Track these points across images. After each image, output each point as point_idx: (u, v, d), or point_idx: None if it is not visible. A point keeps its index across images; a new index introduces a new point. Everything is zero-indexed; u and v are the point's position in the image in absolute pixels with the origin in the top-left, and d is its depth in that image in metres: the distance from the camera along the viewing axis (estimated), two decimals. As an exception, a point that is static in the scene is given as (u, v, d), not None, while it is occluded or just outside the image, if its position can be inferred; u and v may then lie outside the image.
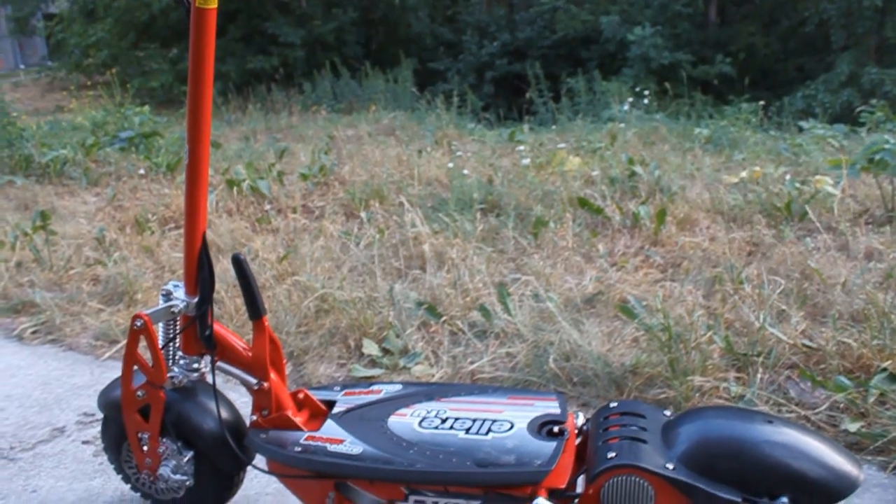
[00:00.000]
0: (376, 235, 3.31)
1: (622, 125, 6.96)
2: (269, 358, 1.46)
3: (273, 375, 1.47)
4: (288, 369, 2.38)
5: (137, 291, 2.99)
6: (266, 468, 1.48)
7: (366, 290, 2.82)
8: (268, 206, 4.32)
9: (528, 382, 2.15)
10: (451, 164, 4.66)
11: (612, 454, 1.28)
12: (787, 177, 4.17)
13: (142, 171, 5.94)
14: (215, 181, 4.79)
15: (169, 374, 1.50)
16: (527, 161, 4.38)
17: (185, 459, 1.55)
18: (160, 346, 1.47)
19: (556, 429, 1.37)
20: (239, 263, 1.42)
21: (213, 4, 1.25)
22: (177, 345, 1.51)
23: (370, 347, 2.38)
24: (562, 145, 5.23)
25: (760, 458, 1.24)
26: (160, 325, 1.50)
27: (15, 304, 3.07)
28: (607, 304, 2.55)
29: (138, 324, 1.43)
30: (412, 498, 1.36)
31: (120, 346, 2.66)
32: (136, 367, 1.50)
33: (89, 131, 7.86)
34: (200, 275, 1.43)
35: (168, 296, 1.47)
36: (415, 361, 2.30)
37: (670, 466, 1.26)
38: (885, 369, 1.95)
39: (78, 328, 2.83)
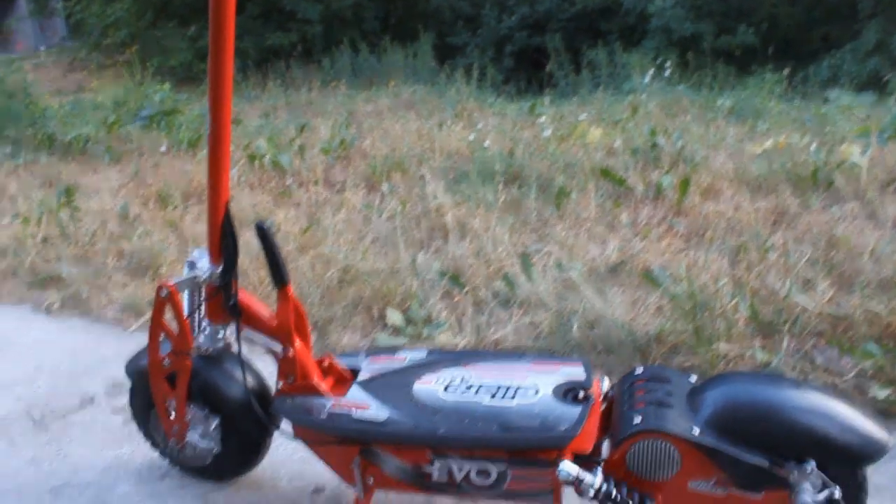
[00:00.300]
0: (398, 207, 3.31)
1: (643, 97, 6.88)
2: (294, 325, 1.46)
3: (298, 343, 1.47)
4: (312, 338, 2.39)
5: (162, 265, 3.01)
6: (292, 434, 1.49)
7: (388, 260, 2.83)
8: (289, 180, 4.32)
9: (552, 351, 2.14)
10: (471, 137, 4.63)
11: (638, 419, 1.28)
12: (813, 146, 4.10)
13: (163, 148, 5.97)
14: (236, 156, 4.80)
15: (194, 342, 1.51)
16: (548, 133, 4.33)
17: (212, 426, 1.57)
18: (185, 315, 1.48)
19: (581, 394, 1.37)
20: (263, 232, 1.42)
21: None
22: (202, 313, 1.52)
23: (394, 317, 2.38)
24: (583, 116, 5.16)
25: (787, 423, 1.23)
26: (185, 293, 1.51)
27: (42, 279, 3.11)
28: (631, 273, 2.54)
29: (163, 293, 1.44)
30: (437, 462, 1.37)
31: (146, 317, 2.68)
32: (162, 336, 1.52)
33: (110, 110, 7.90)
34: (224, 244, 1.43)
35: (193, 265, 1.48)
36: (439, 330, 2.31)
37: (696, 431, 1.26)
38: (914, 336, 1.92)
39: (104, 301, 2.86)
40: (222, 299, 1.47)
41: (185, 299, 1.51)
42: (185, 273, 1.49)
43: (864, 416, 1.26)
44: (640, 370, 1.43)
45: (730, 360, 1.95)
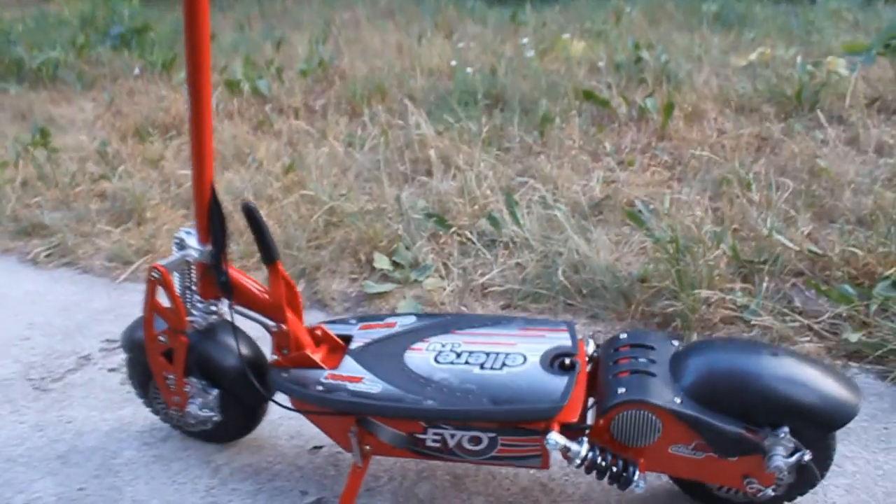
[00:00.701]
0: (381, 139, 3.28)
1: (627, 2, 6.73)
2: (286, 300, 1.49)
3: (290, 316, 1.50)
4: (301, 286, 2.43)
5: (146, 209, 2.99)
6: (289, 404, 1.54)
7: (373, 198, 2.84)
8: (268, 107, 4.25)
9: (538, 295, 2.19)
10: (454, 63, 4.54)
11: (622, 389, 1.33)
12: (798, 59, 4.07)
13: (136, 71, 5.82)
14: (214, 81, 4.70)
15: (189, 319, 1.53)
16: (531, 53, 4.25)
17: (211, 397, 1.62)
18: (178, 294, 1.50)
19: (567, 361, 1.41)
20: (250, 212, 1.42)
21: None
22: (194, 291, 1.54)
23: (381, 261, 2.41)
24: (567, 35, 5.05)
25: (762, 391, 1.29)
26: (176, 274, 1.52)
27: (25, 227, 3.09)
28: (615, 209, 2.56)
29: (155, 275, 1.46)
30: (431, 431, 1.43)
31: (133, 267, 2.70)
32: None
33: (78, 28, 7.64)
34: (212, 224, 1.44)
35: (181, 244, 1.49)
36: (425, 275, 2.34)
37: (677, 400, 1.31)
38: (888, 277, 1.97)
39: (91, 250, 2.86)
40: (213, 277, 1.49)
41: (175, 279, 1.52)
42: (174, 252, 1.50)
43: (836, 380, 1.32)
44: (624, 335, 1.47)
45: (711, 304, 2.00)
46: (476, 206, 2.62)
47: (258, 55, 5.85)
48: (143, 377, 1.72)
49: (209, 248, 1.47)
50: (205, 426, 1.69)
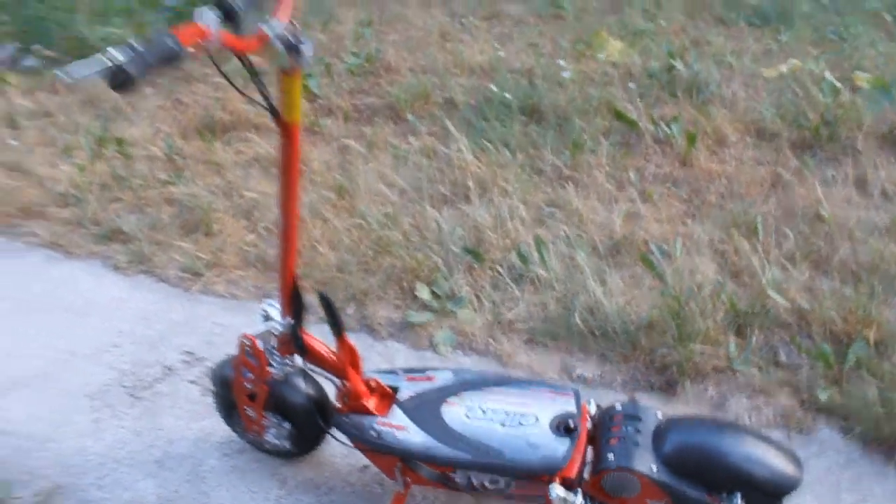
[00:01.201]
0: (424, 161, 3.59)
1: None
2: (349, 362, 1.85)
3: (351, 374, 1.87)
4: (351, 310, 2.79)
5: (213, 222, 3.33)
6: (349, 443, 1.92)
7: (415, 220, 3.16)
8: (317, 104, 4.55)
9: (557, 334, 2.52)
10: (500, 51, 4.75)
11: (611, 456, 1.68)
12: (827, 74, 4.25)
13: (191, 50, 6.12)
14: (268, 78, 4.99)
15: (270, 369, 1.90)
16: (567, 74, 4.49)
17: (284, 430, 2.01)
18: (263, 353, 1.86)
19: (570, 425, 1.76)
20: (326, 301, 1.78)
21: (297, 119, 1.54)
22: (275, 350, 1.91)
23: (422, 291, 2.76)
24: (604, 31, 5.23)
25: (722, 465, 1.63)
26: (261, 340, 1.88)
27: (106, 232, 3.43)
28: (631, 249, 2.86)
29: (247, 343, 1.82)
30: (460, 472, 1.79)
31: (204, 279, 3.06)
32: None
33: None
34: (293, 304, 1.80)
35: (267, 316, 1.85)
36: (460, 306, 2.69)
37: (654, 468, 1.65)
38: (864, 338, 2.27)
39: (165, 259, 3.21)
40: (292, 341, 1.86)
41: (260, 343, 1.88)
42: (260, 324, 1.86)
43: (784, 457, 1.65)
44: (619, 406, 1.81)
45: (704, 355, 2.31)
46: (508, 240, 2.93)
47: (308, 34, 6.10)
48: (229, 406, 2.11)
49: (289, 320, 1.83)
50: (276, 448, 2.09)
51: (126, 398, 2.51)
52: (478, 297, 2.74)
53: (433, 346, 2.57)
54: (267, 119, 4.23)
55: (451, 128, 3.73)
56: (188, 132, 4.39)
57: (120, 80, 1.09)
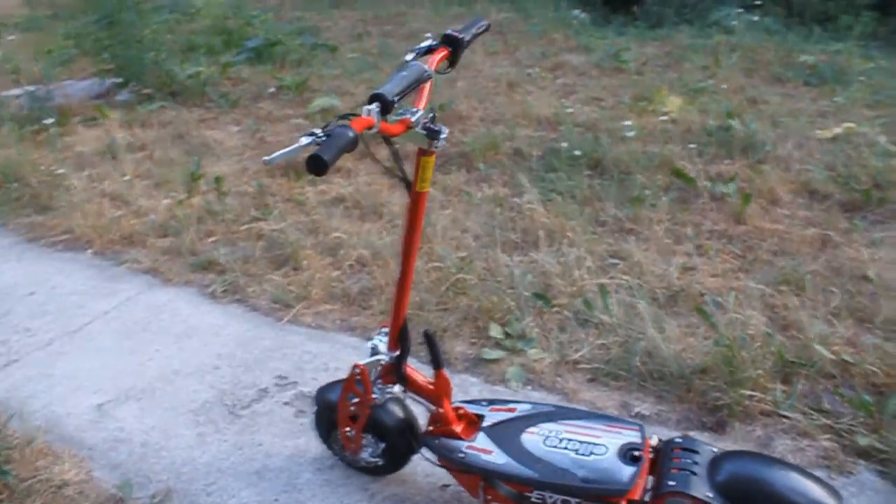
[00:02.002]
0: (496, 209, 3.89)
1: (728, 38, 7.06)
2: (444, 392, 2.13)
3: (445, 402, 2.15)
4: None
5: (302, 258, 3.67)
6: (436, 461, 2.19)
7: (488, 265, 3.45)
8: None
9: (618, 375, 2.77)
10: (568, 107, 5.06)
11: (672, 483, 1.92)
12: (881, 138, 4.46)
13: (272, 89, 6.57)
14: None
15: (373, 395, 2.19)
16: (631, 133, 4.76)
17: (380, 449, 2.29)
18: (370, 382, 2.15)
19: (636, 454, 2.01)
20: (429, 338, 2.08)
21: (427, 189, 1.85)
22: (379, 379, 2.19)
23: (495, 331, 3.03)
24: (665, 88, 5.50)
25: (769, 493, 1.86)
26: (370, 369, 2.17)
27: (202, 262, 3.80)
28: (688, 299, 3.10)
29: (357, 371, 2.12)
30: (536, 492, 2.05)
31: (294, 311, 3.38)
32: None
33: (213, 35, 8.34)
34: (401, 341, 2.09)
35: (375, 350, 2.15)
36: (530, 346, 2.95)
37: (710, 495, 1.89)
38: (903, 391, 2.48)
39: (258, 290, 3.55)
40: (394, 372, 2.15)
41: (369, 370, 2.17)
42: (370, 355, 2.15)
43: (825, 491, 1.87)
44: (679, 439, 2.05)
45: (753, 399, 2.54)
46: (574, 287, 3.20)
47: (380, 82, 6.47)
48: (328, 426, 2.40)
49: (396, 353, 2.12)
50: (369, 466, 2.37)
51: (227, 415, 2.82)
52: (546, 338, 3.00)
53: (504, 382, 2.83)
54: (347, 162, 4.60)
55: (523, 179, 4.02)
56: (273, 171, 4.76)
57: (320, 166, 1.39)
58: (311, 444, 2.61)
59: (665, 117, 4.98)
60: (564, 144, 4.50)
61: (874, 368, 2.57)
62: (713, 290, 3.15)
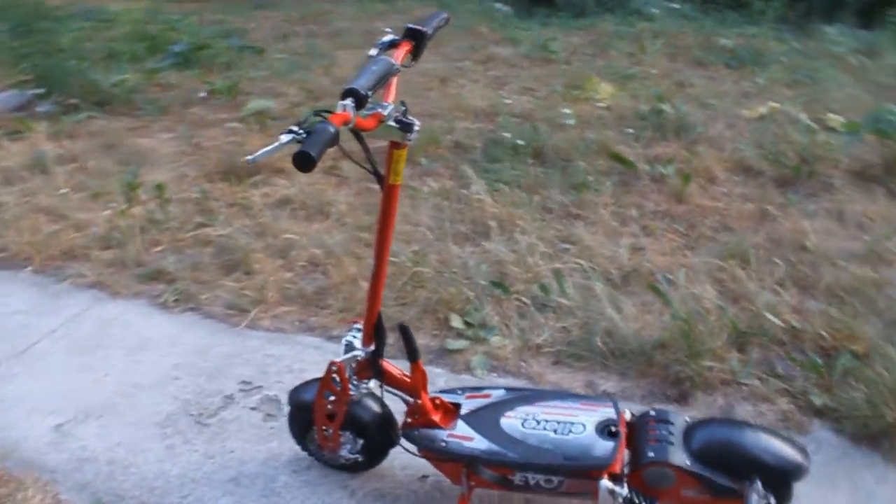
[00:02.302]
0: (444, 202, 3.92)
1: (650, 25, 7.27)
2: (420, 384, 2.15)
3: (423, 394, 2.17)
4: (391, 340, 3.08)
5: (254, 262, 3.62)
6: (417, 453, 2.22)
7: (441, 258, 3.48)
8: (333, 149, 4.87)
9: (580, 356, 2.85)
10: (506, 98, 5.11)
11: (651, 453, 1.99)
12: (802, 115, 4.67)
13: (203, 94, 6.44)
14: (282, 124, 5.30)
15: (350, 392, 2.20)
16: (571, 122, 4.86)
17: (359, 445, 2.30)
18: (347, 379, 2.16)
19: (612, 429, 2.08)
20: (404, 330, 2.10)
21: (399, 182, 1.87)
22: (355, 375, 2.20)
23: (456, 321, 3.07)
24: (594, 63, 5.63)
25: (743, 456, 1.96)
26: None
27: (150, 272, 3.70)
28: (640, 279, 3.20)
29: (334, 369, 2.12)
30: (518, 474, 2.10)
31: (252, 315, 3.34)
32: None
33: (134, 40, 8.10)
34: (376, 336, 2.11)
35: (350, 346, 2.15)
36: (492, 334, 3.00)
37: (688, 462, 1.97)
38: (851, 350, 2.62)
39: (211, 297, 3.48)
40: (370, 367, 2.16)
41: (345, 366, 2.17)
42: (344, 352, 2.16)
43: (793, 449, 1.98)
44: (652, 412, 2.13)
45: (713, 370, 2.65)
46: (530, 273, 3.26)
47: (312, 82, 6.43)
48: (303, 426, 2.39)
49: (371, 348, 2.13)
50: (348, 463, 2.37)
51: (194, 425, 2.77)
52: (506, 325, 3.05)
53: (470, 370, 2.88)
54: (286, 163, 4.56)
55: (468, 170, 4.06)
56: (212, 176, 4.69)
57: (309, 162, 1.40)
58: (285, 446, 2.60)
59: (601, 104, 5.09)
60: (507, 135, 4.55)
61: (822, 332, 2.70)
62: (663, 267, 3.26)
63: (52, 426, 2.81)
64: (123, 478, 2.56)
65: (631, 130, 4.61)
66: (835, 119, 4.61)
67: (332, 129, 1.45)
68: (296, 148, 1.43)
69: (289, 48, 7.87)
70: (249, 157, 1.48)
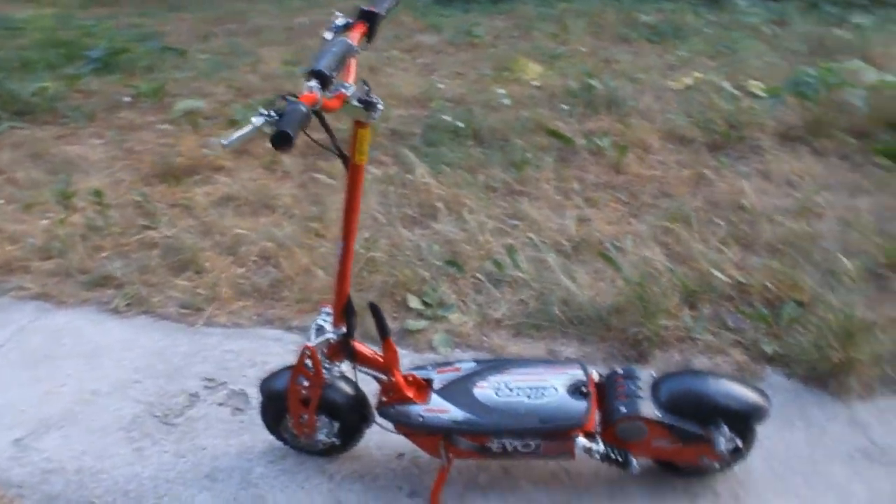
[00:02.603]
0: (389, 188, 3.95)
1: (570, 6, 7.40)
2: (392, 361, 2.19)
3: (396, 372, 2.20)
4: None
5: (203, 261, 3.58)
6: (393, 430, 2.25)
7: (392, 242, 3.51)
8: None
9: (540, 325, 2.92)
10: (439, 83, 5.14)
11: (623, 408, 2.08)
12: (726, 84, 4.85)
13: (127, 99, 6.28)
14: (219, 122, 5.23)
15: (324, 375, 2.21)
16: (507, 101, 4.94)
17: (335, 428, 2.32)
18: (319, 361, 2.17)
19: (583, 390, 2.15)
20: (375, 309, 2.12)
21: (364, 161, 1.89)
22: (327, 357, 2.22)
23: (414, 302, 3.11)
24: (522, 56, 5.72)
25: (709, 403, 2.06)
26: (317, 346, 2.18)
27: (96, 279, 3.61)
28: (590, 248, 3.30)
29: (307, 353, 2.13)
30: (496, 441, 2.15)
31: (207, 313, 3.31)
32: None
33: (48, 48, 7.85)
34: (346, 317, 2.13)
35: (321, 329, 2.17)
36: (451, 312, 3.05)
37: (658, 414, 2.06)
38: (795, 300, 2.77)
39: (163, 299, 3.42)
40: (343, 348, 2.18)
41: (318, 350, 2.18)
42: (314, 334, 2.17)
43: (755, 394, 2.09)
44: (619, 370, 2.21)
45: (668, 329, 2.76)
46: (482, 250, 3.32)
47: (240, 80, 6.36)
48: (276, 415, 2.40)
49: (342, 329, 2.15)
50: (325, 447, 2.39)
51: (161, 426, 2.74)
52: (464, 302, 3.11)
53: (433, 349, 2.92)
54: (225, 161, 4.52)
55: (411, 156, 4.10)
56: (150, 179, 4.60)
57: (286, 140, 1.41)
58: (258, 438, 2.60)
59: (535, 83, 5.18)
60: (447, 118, 4.59)
61: (766, 284, 2.84)
62: (610, 236, 3.36)
63: (10, 441, 2.74)
64: (94, 485, 2.52)
65: (565, 107, 4.69)
66: (756, 85, 4.80)
67: (303, 109, 1.47)
68: (269, 130, 1.45)
69: (211, 48, 7.73)
70: (224, 141, 1.48)
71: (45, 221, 4.12)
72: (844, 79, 4.10)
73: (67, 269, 3.73)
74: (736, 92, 4.65)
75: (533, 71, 5.66)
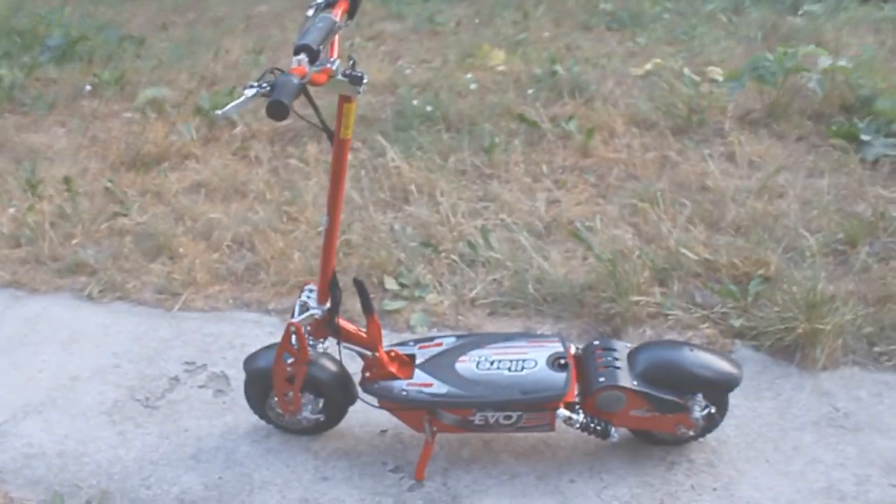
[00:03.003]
0: (361, 172, 3.98)
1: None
2: (376, 337, 2.24)
3: (379, 348, 2.25)
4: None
5: (177, 246, 3.58)
6: (377, 405, 2.31)
7: (366, 222, 3.55)
8: (238, 130, 4.82)
9: (515, 304, 3.00)
10: (406, 69, 5.17)
11: (602, 378, 2.16)
12: (686, 70, 4.96)
13: (88, 88, 6.20)
14: (185, 111, 5.19)
15: (308, 351, 2.25)
16: (474, 86, 4.99)
17: (320, 405, 2.36)
18: (305, 339, 2.21)
19: (562, 362, 2.23)
20: (360, 285, 2.17)
21: (350, 136, 1.93)
22: (310, 331, 2.26)
23: (390, 283, 3.16)
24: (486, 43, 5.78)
25: (684, 373, 2.15)
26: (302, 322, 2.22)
27: (69, 266, 3.60)
28: (561, 228, 3.38)
29: (292, 329, 2.17)
30: (478, 413, 2.22)
31: (183, 298, 3.32)
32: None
33: (2, 36, 7.69)
34: (331, 293, 2.17)
35: (305, 306, 2.20)
36: (427, 292, 3.11)
37: (635, 383, 2.15)
38: (759, 276, 2.89)
39: (138, 284, 3.42)
40: (327, 325, 2.22)
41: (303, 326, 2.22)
42: (298, 311, 2.21)
43: (728, 363, 2.19)
44: (597, 342, 2.29)
45: (639, 304, 2.85)
46: (455, 232, 3.38)
47: (203, 69, 6.31)
48: (261, 394, 2.43)
49: (327, 306, 2.20)
50: (309, 424, 2.43)
51: (143, 409, 2.76)
52: (440, 282, 3.17)
53: (410, 328, 2.98)
54: (194, 148, 4.51)
55: (382, 140, 4.13)
56: (117, 166, 4.56)
57: (282, 110, 1.45)
58: (241, 418, 2.63)
59: (500, 68, 5.24)
60: (415, 102, 4.64)
61: (733, 261, 2.96)
62: (581, 216, 3.45)
63: (-10, 427, 2.73)
64: (77, 468, 2.53)
65: (530, 92, 4.77)
66: (715, 70, 4.92)
67: (295, 80, 1.51)
68: (262, 101, 1.49)
69: (171, 37, 7.65)
70: (219, 111, 1.52)
71: (11, 210, 4.07)
72: (800, 64, 4.23)
73: (38, 257, 3.71)
74: (696, 77, 4.76)
75: (497, 57, 5.72)
